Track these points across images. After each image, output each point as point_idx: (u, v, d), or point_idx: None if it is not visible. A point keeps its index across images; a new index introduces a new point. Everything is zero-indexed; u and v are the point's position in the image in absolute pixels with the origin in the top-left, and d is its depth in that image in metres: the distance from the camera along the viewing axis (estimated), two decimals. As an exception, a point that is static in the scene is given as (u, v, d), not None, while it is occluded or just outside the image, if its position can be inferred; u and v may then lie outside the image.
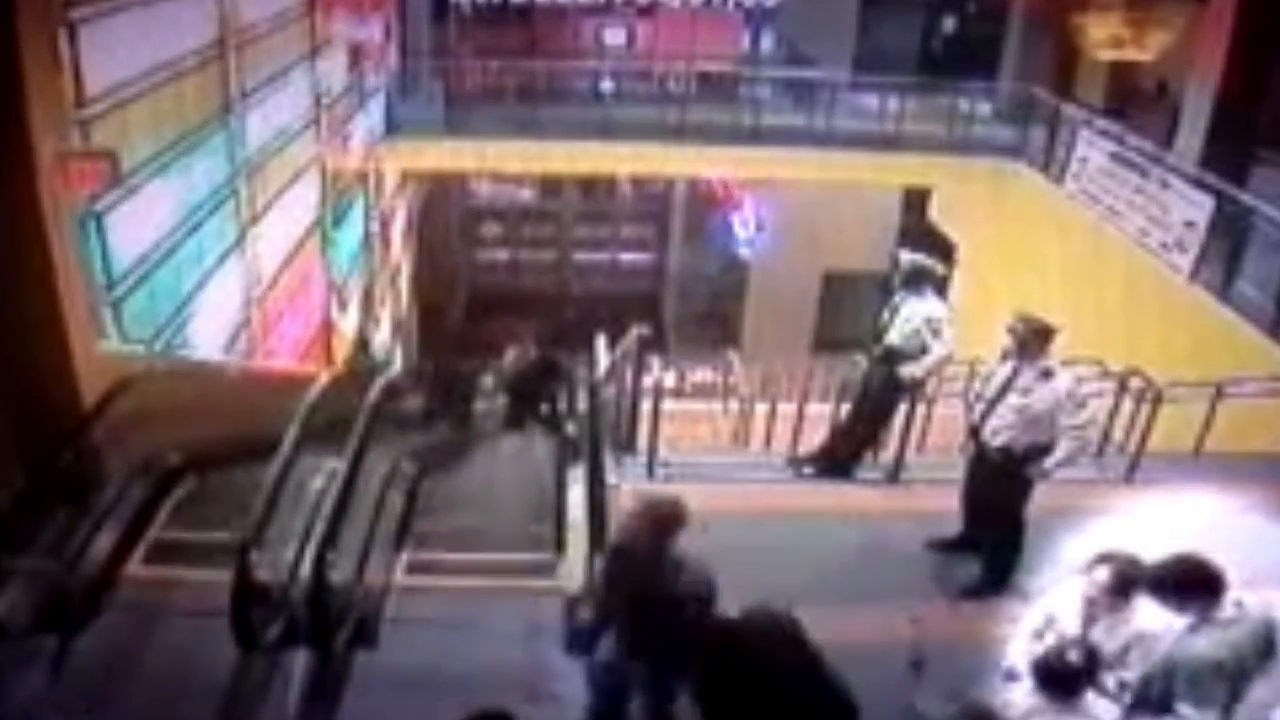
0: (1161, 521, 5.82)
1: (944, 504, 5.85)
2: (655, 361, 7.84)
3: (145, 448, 5.75)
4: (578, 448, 6.46)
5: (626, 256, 24.32)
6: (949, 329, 6.30)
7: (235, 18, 8.54)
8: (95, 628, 4.65)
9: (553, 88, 15.80)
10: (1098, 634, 3.83)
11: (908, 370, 6.37)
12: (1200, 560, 3.66)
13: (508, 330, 13.28)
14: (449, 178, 19.64)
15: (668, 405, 7.01)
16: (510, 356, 9.30)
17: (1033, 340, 5.19)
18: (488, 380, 9.70)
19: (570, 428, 8.03)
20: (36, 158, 5.15)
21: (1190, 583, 3.64)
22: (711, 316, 21.69)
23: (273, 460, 4.61)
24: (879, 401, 6.69)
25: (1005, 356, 5.36)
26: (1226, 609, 3.59)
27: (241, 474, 5.15)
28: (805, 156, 14.72)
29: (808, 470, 7.01)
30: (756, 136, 14.70)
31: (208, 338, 8.03)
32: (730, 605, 3.77)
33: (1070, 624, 3.90)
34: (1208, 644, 3.54)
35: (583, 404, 7.42)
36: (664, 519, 3.74)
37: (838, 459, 6.91)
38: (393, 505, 5.85)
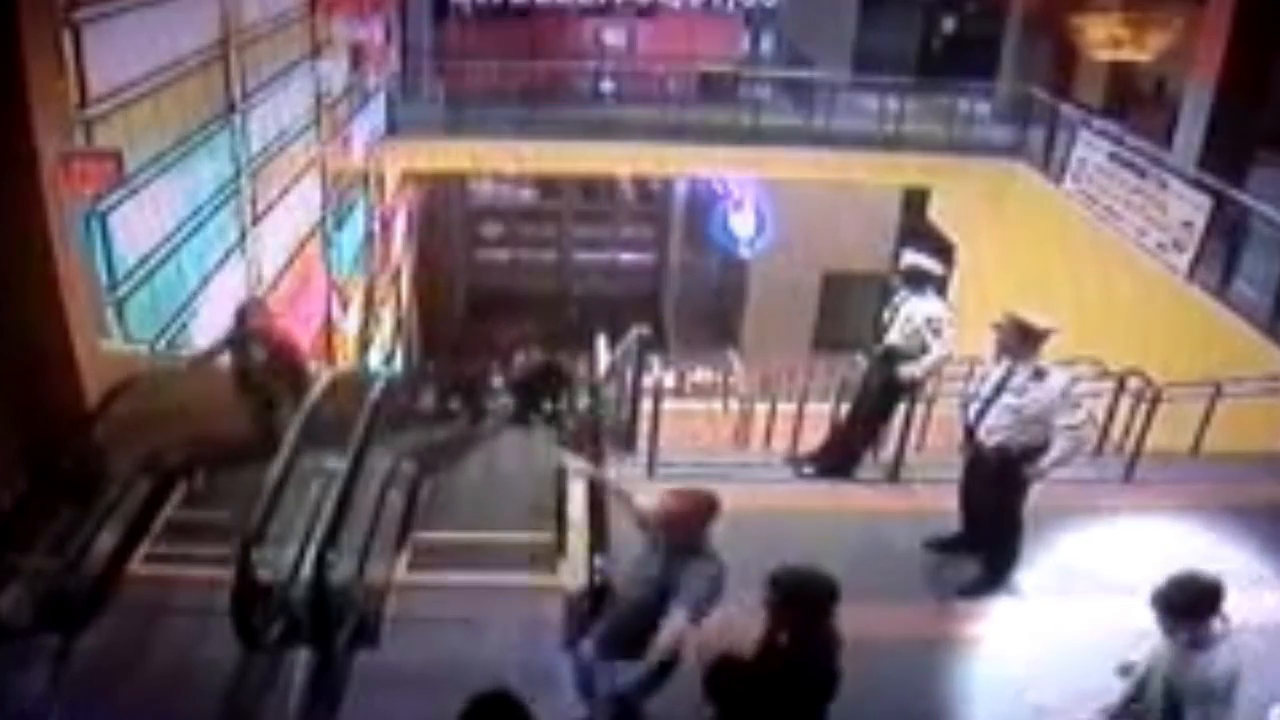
0: (1159, 522, 5.85)
1: (943, 504, 5.87)
2: (655, 361, 7.86)
3: (148, 446, 5.77)
4: (578, 447, 6.48)
5: (626, 256, 24.31)
6: (949, 329, 6.33)
7: (237, 18, 8.56)
8: (97, 626, 4.67)
9: (553, 88, 15.81)
10: None
11: (908, 370, 6.39)
12: (1197, 579, 3.54)
13: (514, 336, 13.32)
14: (449, 178, 19.63)
15: (668, 405, 7.03)
16: (519, 361, 9.48)
17: (1019, 339, 5.19)
18: (496, 380, 9.83)
19: (571, 427, 8.07)
20: (40, 158, 5.18)
21: (1189, 604, 3.52)
22: (711, 316, 21.67)
23: (274, 459, 4.64)
24: (879, 401, 6.71)
25: (1000, 356, 5.38)
26: (1215, 626, 3.52)
27: (243, 473, 5.17)
28: (805, 156, 14.71)
29: (807, 470, 7.02)
30: (756, 136, 14.70)
31: (210, 337, 8.04)
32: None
33: None
34: (1203, 669, 3.49)
35: (583, 403, 7.45)
36: (708, 508, 3.95)
37: (837, 458, 6.93)
38: (393, 504, 5.86)
